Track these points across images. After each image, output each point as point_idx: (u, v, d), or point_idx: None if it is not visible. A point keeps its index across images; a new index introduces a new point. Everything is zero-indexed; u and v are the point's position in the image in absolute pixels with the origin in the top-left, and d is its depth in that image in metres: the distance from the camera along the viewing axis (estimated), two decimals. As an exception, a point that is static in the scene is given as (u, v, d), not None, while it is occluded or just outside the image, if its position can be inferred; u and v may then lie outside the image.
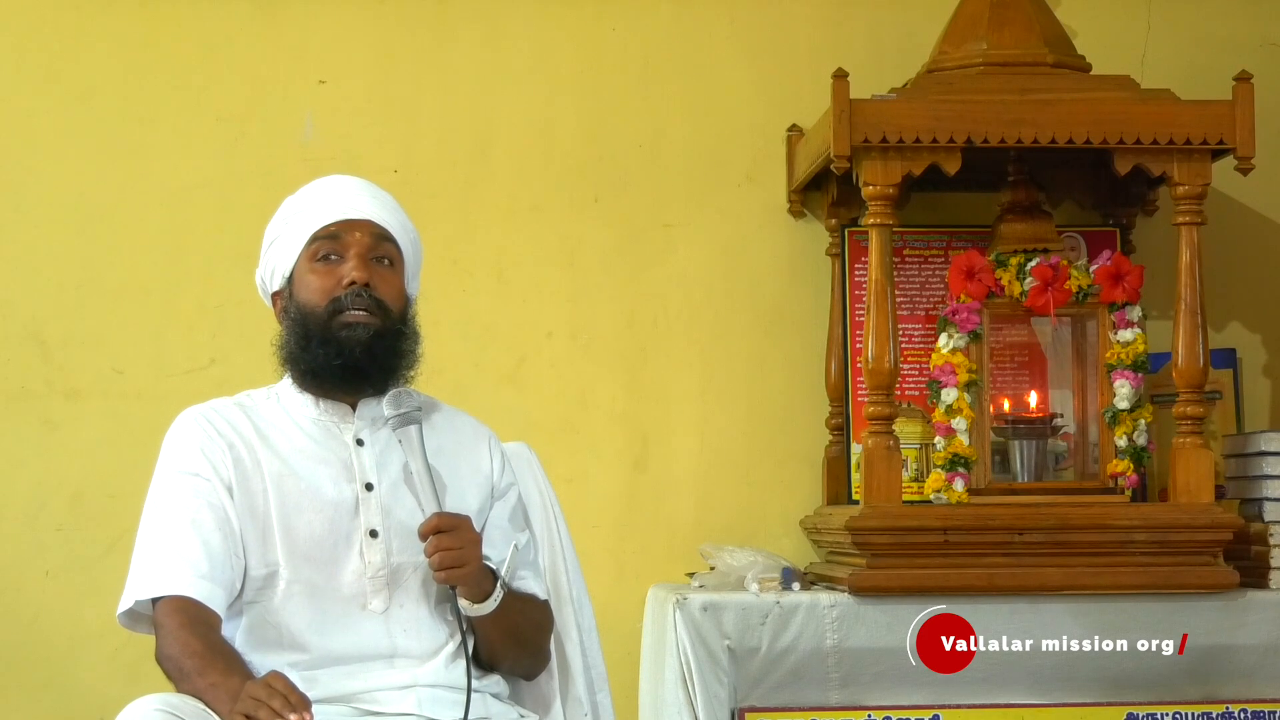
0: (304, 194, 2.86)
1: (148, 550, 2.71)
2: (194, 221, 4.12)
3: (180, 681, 2.60)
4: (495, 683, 2.80)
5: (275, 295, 2.86)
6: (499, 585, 2.71)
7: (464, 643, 2.73)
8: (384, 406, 2.76)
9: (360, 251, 2.78)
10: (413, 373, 2.84)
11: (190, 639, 2.61)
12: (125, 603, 2.70)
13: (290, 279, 2.82)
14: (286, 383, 2.84)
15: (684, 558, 4.04)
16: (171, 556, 2.67)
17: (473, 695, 2.69)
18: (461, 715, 2.67)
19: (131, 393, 4.08)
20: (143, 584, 2.69)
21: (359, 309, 2.75)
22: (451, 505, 2.74)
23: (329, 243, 2.79)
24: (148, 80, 4.13)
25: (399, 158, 4.14)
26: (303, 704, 2.45)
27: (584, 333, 4.18)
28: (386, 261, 2.81)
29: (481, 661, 2.79)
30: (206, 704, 2.54)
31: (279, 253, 2.83)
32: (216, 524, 2.70)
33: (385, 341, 2.77)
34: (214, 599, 2.66)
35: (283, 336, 2.82)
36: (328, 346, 2.75)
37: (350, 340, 2.74)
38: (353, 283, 2.75)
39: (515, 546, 2.76)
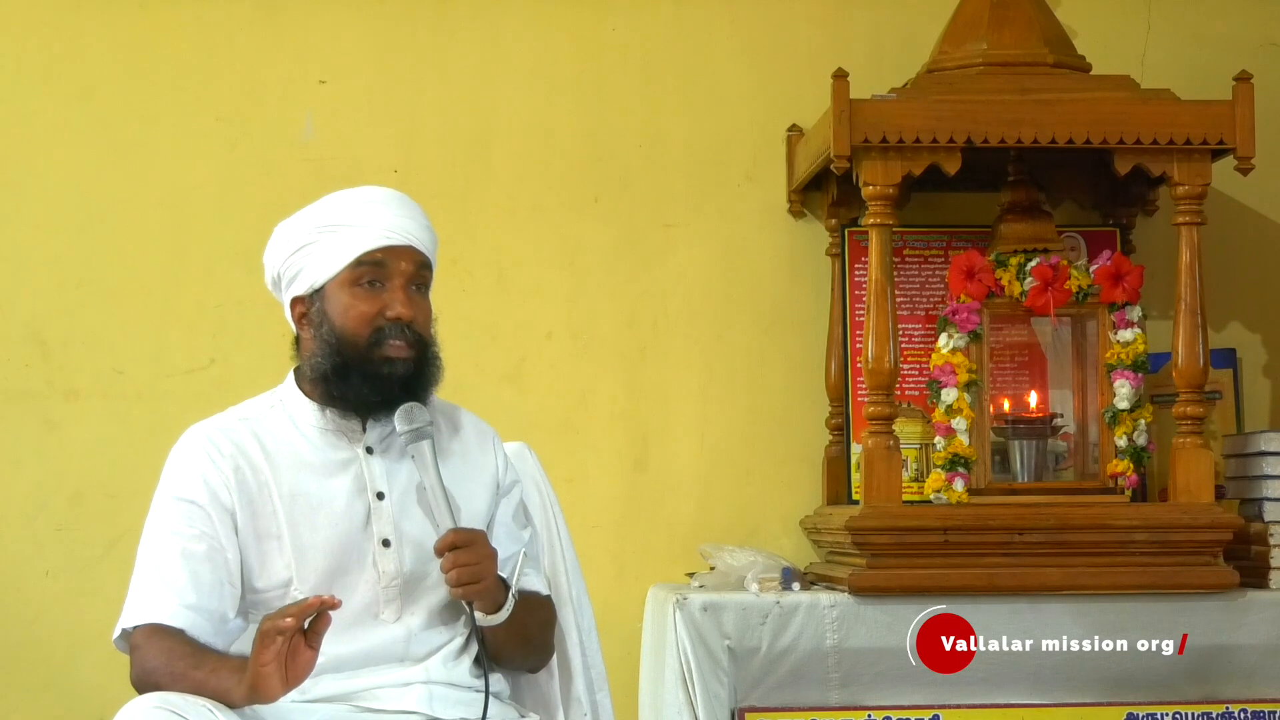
0: (347, 205, 2.77)
1: (140, 580, 2.70)
2: (194, 221, 4.11)
3: (174, 684, 2.56)
4: (496, 681, 2.79)
5: (296, 300, 2.78)
6: (511, 595, 2.71)
7: (483, 648, 2.73)
8: (396, 422, 2.73)
9: (403, 283, 2.73)
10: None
11: (174, 646, 2.61)
12: (118, 630, 2.69)
13: (321, 292, 2.74)
14: (292, 389, 2.80)
15: (684, 558, 4.04)
16: (159, 587, 2.66)
17: (472, 695, 2.70)
18: (465, 714, 2.67)
19: (131, 393, 4.07)
20: (131, 613, 2.68)
21: (400, 342, 2.72)
22: (462, 507, 2.73)
23: (373, 269, 2.73)
24: (148, 80, 4.13)
25: (399, 158, 4.14)
26: (329, 602, 2.46)
27: (584, 333, 4.18)
28: (424, 289, 2.78)
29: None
30: (210, 690, 2.53)
31: (313, 261, 2.74)
32: (207, 554, 2.68)
33: (419, 372, 2.74)
34: (197, 627, 2.65)
35: (311, 351, 2.75)
36: (368, 382, 2.71)
37: (390, 376, 2.71)
38: (398, 318, 2.72)
39: (524, 554, 2.77)
